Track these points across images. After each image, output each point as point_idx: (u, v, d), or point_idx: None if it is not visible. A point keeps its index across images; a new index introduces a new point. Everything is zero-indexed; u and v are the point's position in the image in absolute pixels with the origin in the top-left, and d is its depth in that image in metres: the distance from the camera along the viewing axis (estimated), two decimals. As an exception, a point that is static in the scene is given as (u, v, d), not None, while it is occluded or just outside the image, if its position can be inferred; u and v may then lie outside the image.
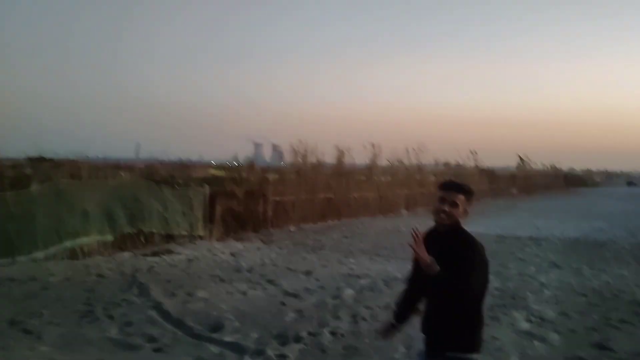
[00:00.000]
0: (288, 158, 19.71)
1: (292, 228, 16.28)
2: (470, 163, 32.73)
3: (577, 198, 37.97)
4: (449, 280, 2.47)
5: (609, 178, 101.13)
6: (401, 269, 9.85)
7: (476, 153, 33.20)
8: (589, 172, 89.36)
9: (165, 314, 6.74)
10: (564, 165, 67.76)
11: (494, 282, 8.80)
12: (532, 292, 8.13)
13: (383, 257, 11.43)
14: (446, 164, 29.63)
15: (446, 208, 2.63)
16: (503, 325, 6.45)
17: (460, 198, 2.65)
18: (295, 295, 7.78)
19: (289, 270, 9.66)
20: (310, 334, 6.03)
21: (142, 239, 11.84)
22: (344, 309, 7.09)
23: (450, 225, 2.67)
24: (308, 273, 9.42)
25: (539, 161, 51.74)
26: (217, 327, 6.25)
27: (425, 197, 24.59)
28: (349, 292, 7.98)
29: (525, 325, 6.46)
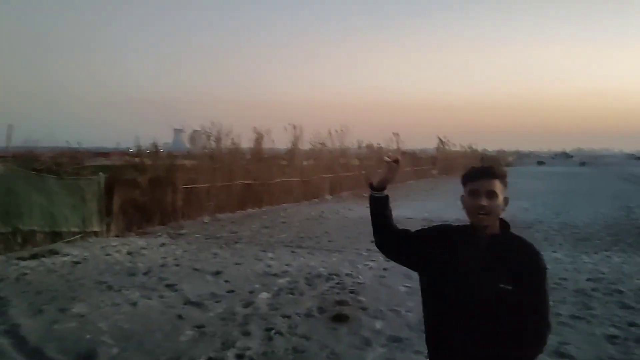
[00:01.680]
0: (202, 143, 17.94)
1: (206, 219, 14.70)
2: (393, 145, 32.29)
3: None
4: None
5: (520, 158, 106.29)
6: (326, 263, 8.72)
7: (398, 135, 32.82)
8: (502, 153, 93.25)
9: (21, 341, 5.16)
10: (479, 146, 69.96)
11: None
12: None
13: (306, 249, 10.23)
14: (369, 147, 28.89)
15: (484, 202, 1.96)
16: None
17: (497, 185, 2.00)
18: (197, 305, 6.39)
19: (195, 271, 8.21)
20: (210, 360, 4.71)
21: (20, 239, 9.91)
22: (256, 320, 5.80)
23: (494, 227, 2.01)
24: (217, 274, 8.02)
25: (457, 143, 52.79)
26: (88, 356, 4.78)
27: (350, 180, 23.72)
28: (263, 297, 6.70)
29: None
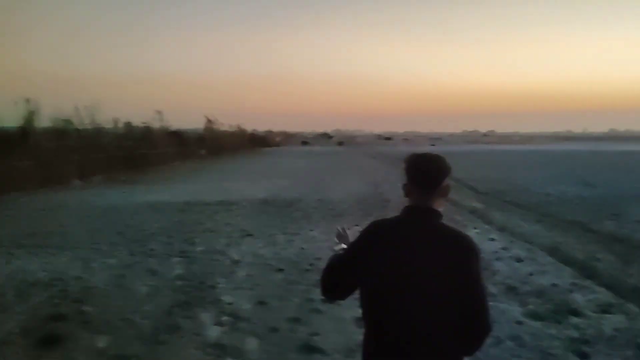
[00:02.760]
0: None
1: None
2: (156, 124, 30.29)
3: (262, 158, 39.65)
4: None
5: (287, 138, 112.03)
6: (50, 266, 7.09)
7: (161, 113, 30.92)
8: (270, 133, 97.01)
9: None
10: (250, 127, 71.21)
11: (175, 269, 6.91)
12: (224, 276, 6.48)
13: (27, 248, 8.31)
14: (128, 125, 26.48)
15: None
16: (185, 338, 4.55)
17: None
18: None
19: None
20: None
21: None
22: None
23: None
24: None
25: (226, 123, 52.66)
26: None
27: (103, 163, 21.23)
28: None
29: (214, 333, 4.69)
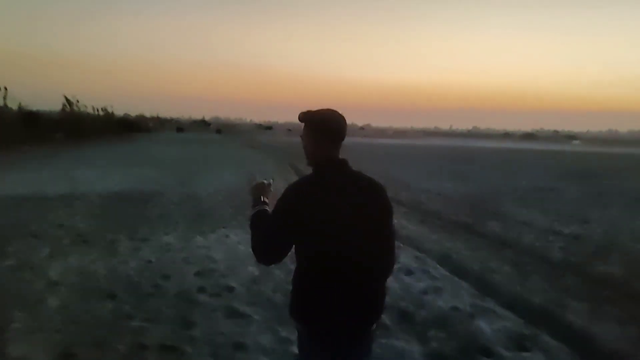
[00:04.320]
0: None
1: None
2: (-1, 101, 26.03)
3: (129, 144, 36.19)
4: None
5: (162, 124, 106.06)
6: None
7: (6, 90, 26.67)
8: (142, 118, 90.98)
9: None
10: (119, 110, 65.87)
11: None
12: (26, 308, 4.62)
13: None
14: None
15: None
16: None
17: (303, 129, 2.12)
18: None
19: None
20: None
21: None
22: None
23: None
24: None
25: (89, 105, 47.87)
26: None
27: None
28: None
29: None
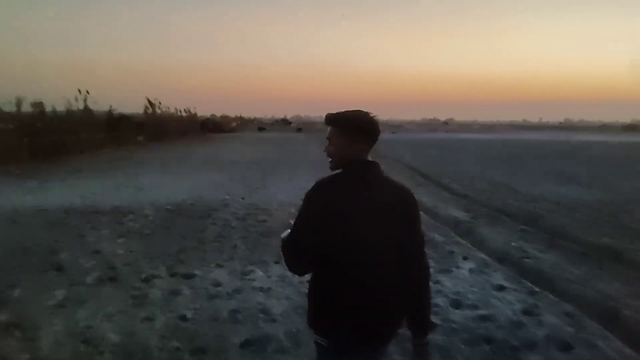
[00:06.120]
0: None
1: None
2: (79, 105, 26.01)
3: (209, 144, 35.65)
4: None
5: (244, 124, 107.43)
6: None
7: (88, 93, 26.63)
8: (226, 118, 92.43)
9: None
10: (206, 112, 66.92)
11: None
12: None
13: None
14: (37, 105, 22.13)
15: (325, 150, 2.08)
16: None
17: (332, 131, 2.04)
18: None
19: None
20: None
21: None
22: None
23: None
24: None
25: (172, 106, 48.37)
26: None
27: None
28: None
29: None
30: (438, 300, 5.05)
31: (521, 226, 8.80)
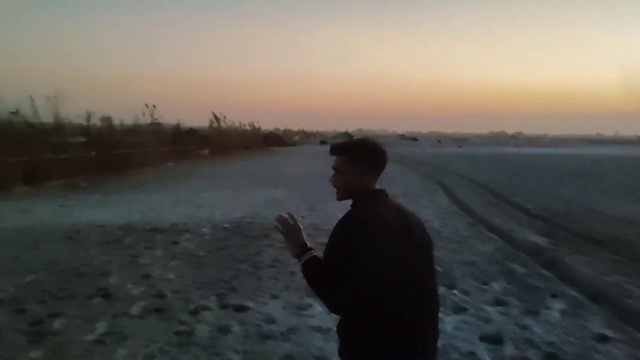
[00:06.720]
0: None
1: None
2: (146, 119, 26.59)
3: (271, 158, 35.69)
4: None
5: (306, 137, 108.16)
6: None
7: (154, 107, 27.22)
8: (288, 132, 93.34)
9: None
10: (269, 126, 67.66)
11: None
12: None
13: None
14: (105, 120, 22.71)
15: (331, 180, 2.04)
16: None
17: (339, 161, 2.00)
18: None
19: None
20: None
21: None
22: None
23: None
24: None
25: (236, 120, 49.07)
26: None
27: (64, 165, 17.58)
28: None
29: None
30: (529, 353, 4.23)
31: (613, 256, 7.72)
